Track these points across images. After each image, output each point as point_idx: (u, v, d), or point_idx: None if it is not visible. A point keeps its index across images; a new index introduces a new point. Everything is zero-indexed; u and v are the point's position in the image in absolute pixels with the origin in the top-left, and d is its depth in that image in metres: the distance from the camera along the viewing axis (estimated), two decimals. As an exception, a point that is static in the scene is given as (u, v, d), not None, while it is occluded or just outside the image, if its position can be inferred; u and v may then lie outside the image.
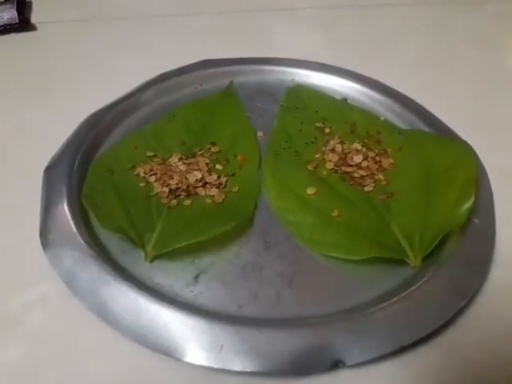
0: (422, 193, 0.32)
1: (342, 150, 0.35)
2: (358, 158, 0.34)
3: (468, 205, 0.30)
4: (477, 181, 0.32)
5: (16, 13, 0.52)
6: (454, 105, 0.41)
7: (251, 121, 0.39)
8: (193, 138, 0.37)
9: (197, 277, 0.29)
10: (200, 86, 0.43)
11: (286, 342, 0.25)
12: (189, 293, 0.28)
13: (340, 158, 0.35)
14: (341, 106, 0.41)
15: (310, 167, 0.34)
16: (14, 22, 0.51)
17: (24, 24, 0.52)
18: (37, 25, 0.53)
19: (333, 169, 0.34)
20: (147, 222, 0.30)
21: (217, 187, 0.33)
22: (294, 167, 0.35)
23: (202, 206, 0.32)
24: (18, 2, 0.52)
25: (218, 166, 0.34)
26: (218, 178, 0.33)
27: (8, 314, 0.27)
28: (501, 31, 0.55)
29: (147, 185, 0.33)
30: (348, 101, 0.41)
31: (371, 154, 0.35)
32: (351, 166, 0.34)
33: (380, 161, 0.35)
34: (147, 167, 0.34)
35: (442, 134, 0.37)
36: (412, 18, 0.56)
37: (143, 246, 0.29)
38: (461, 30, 0.54)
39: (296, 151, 0.36)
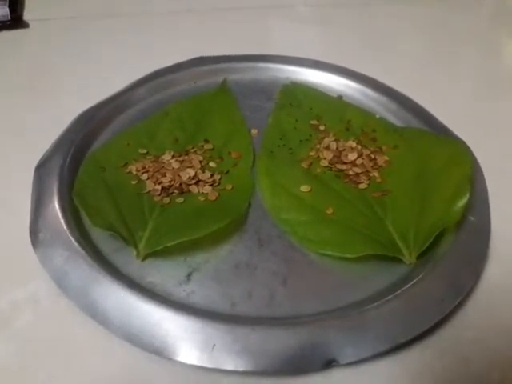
0: (417, 190, 0.32)
1: (337, 148, 0.35)
2: (352, 156, 0.34)
3: (463, 202, 0.30)
4: (472, 178, 0.32)
5: (8, 10, 0.51)
6: (450, 103, 0.41)
7: (245, 118, 0.39)
8: (186, 136, 0.37)
9: (189, 275, 0.28)
10: (194, 83, 0.42)
11: (280, 341, 0.24)
12: (181, 291, 0.27)
13: (335, 156, 0.34)
14: (336, 103, 0.40)
15: (304, 165, 0.34)
16: (6, 19, 0.51)
17: (16, 21, 0.52)
18: (29, 22, 0.52)
19: (327, 166, 0.34)
20: (139, 220, 0.30)
21: (210, 185, 0.33)
22: (288, 165, 0.34)
23: (195, 203, 0.31)
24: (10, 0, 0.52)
25: (212, 164, 0.34)
26: (212, 175, 0.33)
27: (-3, 313, 0.27)
28: (498, 30, 0.55)
29: (139, 182, 0.32)
30: (343, 98, 0.41)
31: (366, 152, 0.35)
32: (346, 163, 0.34)
33: (375, 158, 0.35)
34: (139, 165, 0.33)
35: (438, 131, 0.37)
36: (408, 16, 0.56)
37: (135, 244, 0.29)
38: (458, 28, 0.54)
39: (290, 149, 0.36)
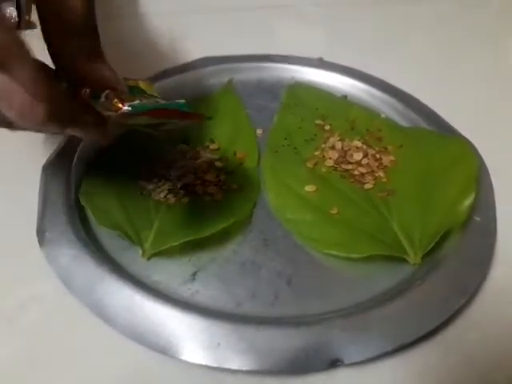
0: (422, 190, 0.32)
1: (342, 148, 0.35)
2: (357, 156, 0.34)
3: (468, 202, 0.30)
4: (477, 178, 0.32)
5: (15, 10, 0.51)
6: (456, 102, 0.41)
7: (251, 118, 0.39)
8: (192, 135, 0.37)
9: (194, 274, 0.28)
10: (199, 83, 0.42)
11: (284, 341, 0.24)
12: (186, 290, 0.28)
13: (340, 156, 0.34)
14: (341, 103, 0.40)
15: (309, 164, 0.34)
16: (14, 19, 0.51)
17: (23, 22, 0.52)
18: (37, 22, 0.53)
19: (332, 166, 0.34)
20: (145, 220, 0.30)
21: (215, 185, 0.33)
22: (293, 164, 0.34)
23: (201, 203, 0.31)
24: (17, 0, 0.52)
25: (217, 164, 0.34)
26: (217, 175, 0.33)
27: (4, 311, 0.27)
28: (507, 28, 0.54)
29: (145, 182, 0.32)
30: (348, 98, 0.41)
31: (371, 152, 0.35)
32: (351, 163, 0.34)
33: (380, 158, 0.34)
34: (146, 165, 0.33)
35: (444, 131, 0.37)
36: (413, 16, 0.56)
37: (140, 244, 0.29)
38: (464, 27, 0.54)
39: (295, 148, 0.36)
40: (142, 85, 0.26)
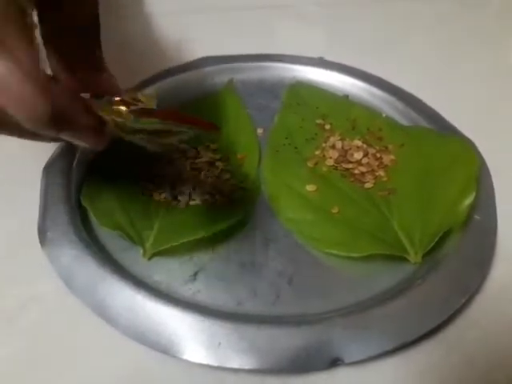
0: (422, 189, 0.32)
1: (343, 147, 0.35)
2: (358, 155, 0.34)
3: (469, 201, 0.30)
4: (478, 177, 0.32)
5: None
6: (456, 102, 0.41)
7: (251, 117, 0.39)
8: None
9: (195, 274, 0.28)
10: (200, 83, 0.42)
11: (285, 340, 0.24)
12: (187, 290, 0.28)
13: (340, 155, 0.35)
14: (342, 102, 0.40)
15: (309, 164, 0.34)
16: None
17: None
18: (37, 23, 0.53)
19: (333, 165, 0.34)
20: (146, 220, 0.30)
21: (216, 184, 0.33)
22: (293, 164, 0.34)
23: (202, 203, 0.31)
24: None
25: (218, 163, 0.34)
26: (218, 175, 0.33)
27: (5, 311, 0.27)
28: (505, 29, 0.54)
29: (146, 182, 0.32)
30: (349, 97, 0.41)
31: (372, 151, 0.35)
32: (351, 162, 0.34)
33: (381, 157, 0.34)
34: (146, 165, 0.33)
35: (445, 130, 0.37)
36: (413, 15, 0.56)
37: (142, 244, 0.29)
38: (464, 27, 0.54)
39: (296, 148, 0.36)
40: (142, 98, 0.26)
